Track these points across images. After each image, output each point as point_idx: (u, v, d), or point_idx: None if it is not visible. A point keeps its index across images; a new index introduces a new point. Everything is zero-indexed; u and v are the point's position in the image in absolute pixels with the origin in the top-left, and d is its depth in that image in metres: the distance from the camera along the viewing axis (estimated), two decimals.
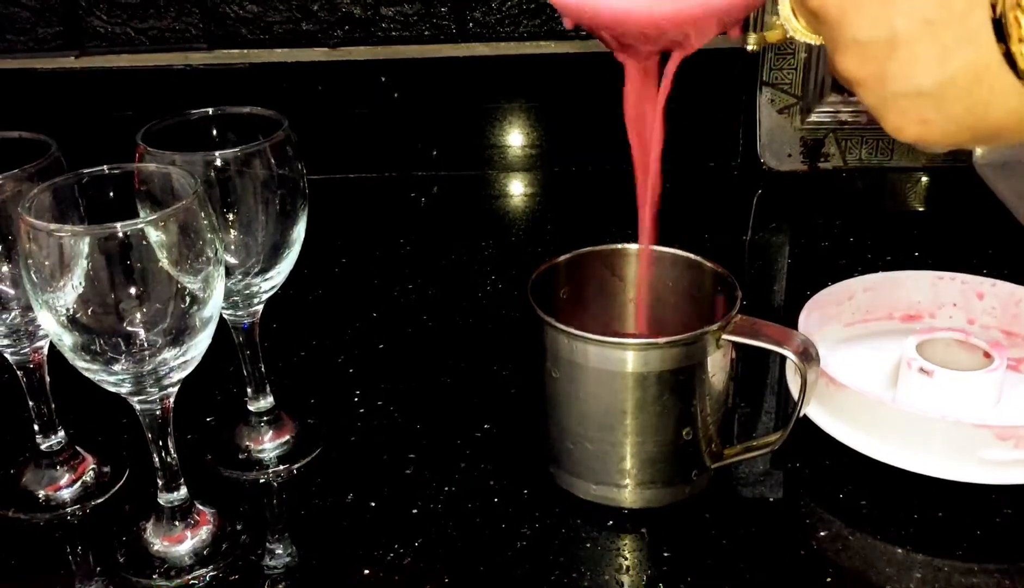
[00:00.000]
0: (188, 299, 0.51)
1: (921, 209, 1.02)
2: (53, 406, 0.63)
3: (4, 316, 0.58)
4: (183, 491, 0.58)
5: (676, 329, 0.57)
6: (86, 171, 0.54)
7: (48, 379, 0.62)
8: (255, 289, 0.61)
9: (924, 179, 1.04)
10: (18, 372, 0.61)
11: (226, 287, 0.55)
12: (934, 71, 0.42)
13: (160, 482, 0.57)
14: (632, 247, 0.64)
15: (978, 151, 1.00)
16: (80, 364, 0.51)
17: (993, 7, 0.41)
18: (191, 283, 0.51)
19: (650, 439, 0.57)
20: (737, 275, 0.60)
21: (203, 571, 0.56)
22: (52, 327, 0.51)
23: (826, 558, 0.56)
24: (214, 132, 0.62)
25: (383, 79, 1.03)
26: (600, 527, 0.58)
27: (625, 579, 0.55)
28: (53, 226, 0.48)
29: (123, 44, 1.04)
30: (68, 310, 0.49)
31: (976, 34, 0.41)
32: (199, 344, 0.53)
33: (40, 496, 0.62)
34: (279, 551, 0.58)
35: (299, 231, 0.61)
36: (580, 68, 1.02)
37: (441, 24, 1.04)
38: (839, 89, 1.01)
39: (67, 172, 0.54)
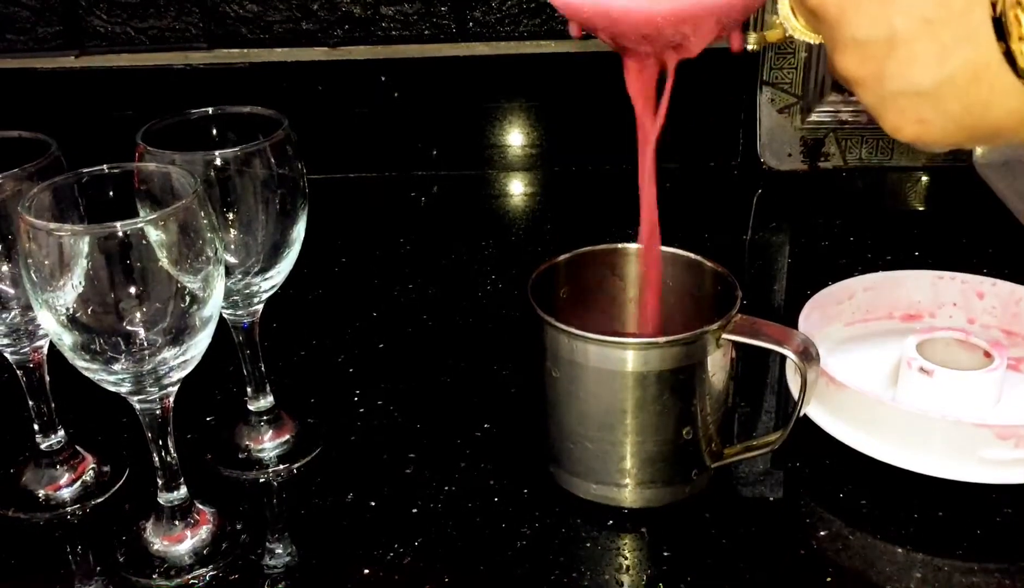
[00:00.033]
0: (188, 298, 0.51)
1: (921, 208, 1.02)
2: (53, 405, 0.63)
3: (4, 315, 0.58)
4: (183, 491, 0.58)
5: (676, 328, 0.57)
6: (86, 170, 0.54)
7: (48, 378, 0.62)
8: (255, 288, 0.61)
9: (924, 179, 1.04)
10: (18, 371, 0.61)
11: (226, 286, 0.55)
12: (933, 70, 0.42)
13: (160, 481, 0.57)
14: (632, 246, 0.64)
15: (978, 150, 1.00)
16: (80, 363, 0.51)
17: (993, 5, 0.41)
18: (191, 282, 0.51)
19: (650, 438, 0.57)
20: (737, 274, 0.60)
21: (203, 571, 0.56)
22: (52, 326, 0.51)
23: (826, 558, 0.56)
24: (214, 131, 0.62)
25: (383, 78, 1.03)
26: (600, 527, 0.58)
27: (625, 578, 0.55)
28: (53, 225, 0.48)
29: (123, 43, 1.04)
30: (68, 309, 0.49)
31: (976, 33, 0.41)
32: (199, 343, 0.53)
33: (40, 495, 0.62)
34: (279, 551, 0.58)
35: (299, 230, 0.61)
36: (580, 67, 1.02)
37: (441, 23, 1.04)
38: (839, 89, 1.01)
39: (67, 171, 0.54)
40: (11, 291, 0.57)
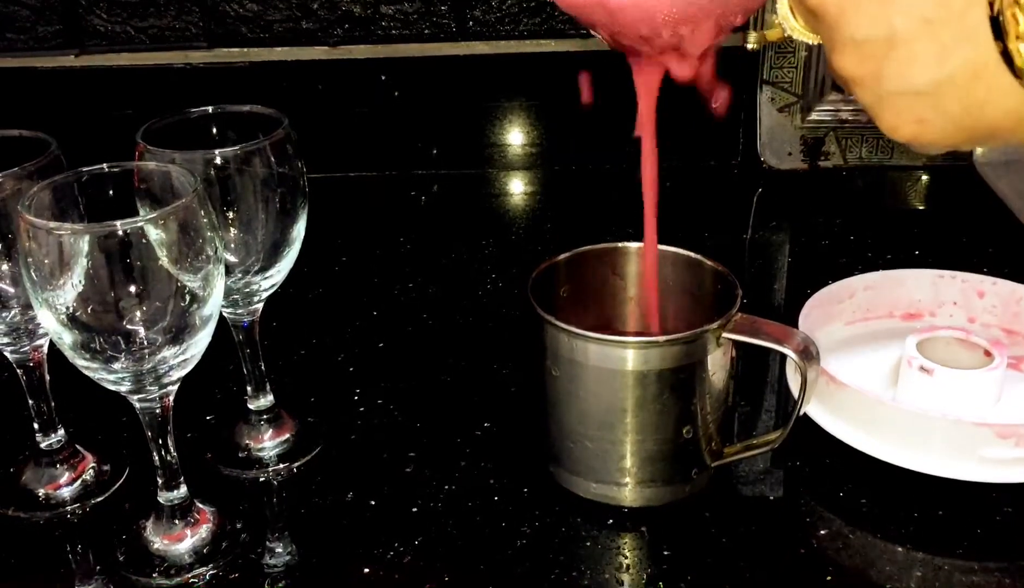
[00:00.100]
0: (188, 297, 0.51)
1: (921, 207, 1.01)
2: (53, 404, 0.63)
3: (4, 314, 0.58)
4: (183, 489, 0.58)
5: (676, 327, 0.57)
6: (86, 169, 0.54)
7: (48, 377, 0.62)
8: (255, 287, 0.61)
9: (924, 177, 1.04)
10: (18, 371, 0.61)
11: (226, 285, 0.55)
12: (932, 70, 0.42)
13: (160, 480, 0.57)
14: (632, 245, 0.64)
15: (978, 150, 1.00)
16: (80, 362, 0.51)
17: (991, 5, 0.41)
18: (191, 281, 0.51)
19: (650, 437, 0.57)
20: (737, 273, 0.60)
21: (203, 569, 0.56)
22: (52, 325, 0.51)
23: (826, 556, 0.56)
24: (214, 130, 0.62)
25: (383, 77, 1.03)
26: (600, 526, 0.58)
27: (625, 577, 0.55)
28: (53, 224, 0.48)
29: (123, 42, 1.04)
30: (68, 308, 0.49)
31: (974, 32, 0.41)
32: (199, 342, 0.53)
33: (40, 494, 0.62)
34: (279, 549, 0.58)
35: (299, 229, 0.61)
36: (580, 67, 1.02)
37: (441, 22, 1.04)
38: (839, 88, 1.01)
39: (67, 170, 0.54)
40: (11, 290, 0.57)
